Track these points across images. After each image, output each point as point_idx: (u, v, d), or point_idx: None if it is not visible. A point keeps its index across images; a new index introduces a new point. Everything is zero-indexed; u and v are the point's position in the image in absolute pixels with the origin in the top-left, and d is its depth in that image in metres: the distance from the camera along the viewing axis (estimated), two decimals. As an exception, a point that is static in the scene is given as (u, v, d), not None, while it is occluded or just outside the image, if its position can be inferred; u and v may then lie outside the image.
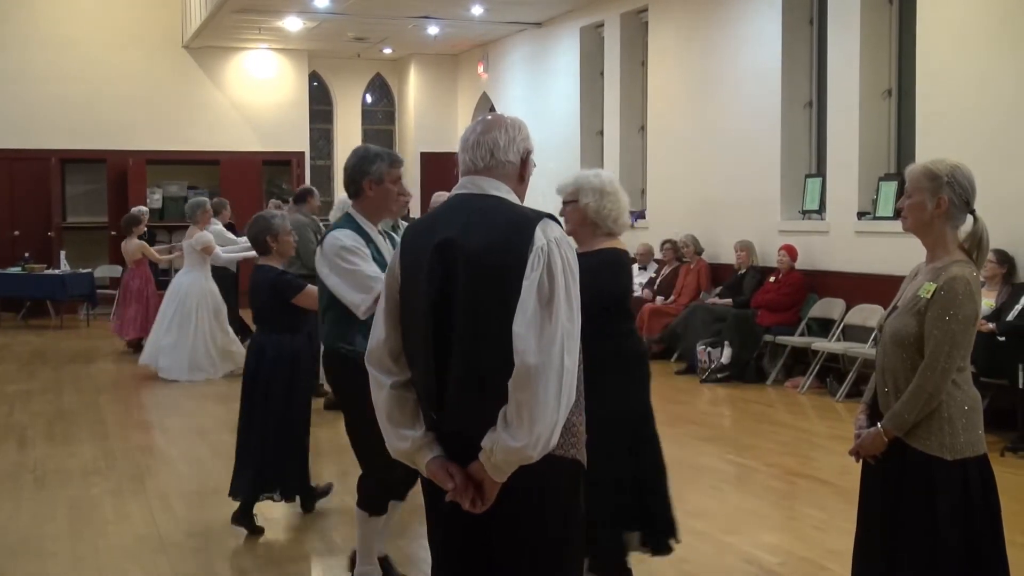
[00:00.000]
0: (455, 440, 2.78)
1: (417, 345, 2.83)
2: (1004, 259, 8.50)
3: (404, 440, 2.85)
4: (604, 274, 4.28)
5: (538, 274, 2.65)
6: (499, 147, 2.88)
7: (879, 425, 3.54)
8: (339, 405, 5.18)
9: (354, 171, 4.75)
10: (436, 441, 2.82)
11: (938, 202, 3.50)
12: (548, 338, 2.61)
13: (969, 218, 3.56)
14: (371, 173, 4.71)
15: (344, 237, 4.62)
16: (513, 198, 2.87)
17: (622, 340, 4.43)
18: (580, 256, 2.98)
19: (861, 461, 3.73)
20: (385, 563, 5.04)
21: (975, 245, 3.55)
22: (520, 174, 2.92)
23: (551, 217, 2.80)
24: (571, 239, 2.80)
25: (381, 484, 4.78)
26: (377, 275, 4.44)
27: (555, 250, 2.69)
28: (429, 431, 2.83)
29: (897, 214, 9.80)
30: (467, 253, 2.73)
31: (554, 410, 2.61)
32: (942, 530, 3.42)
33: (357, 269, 4.53)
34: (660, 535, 4.47)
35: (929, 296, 3.44)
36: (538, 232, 2.71)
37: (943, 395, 3.43)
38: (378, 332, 2.93)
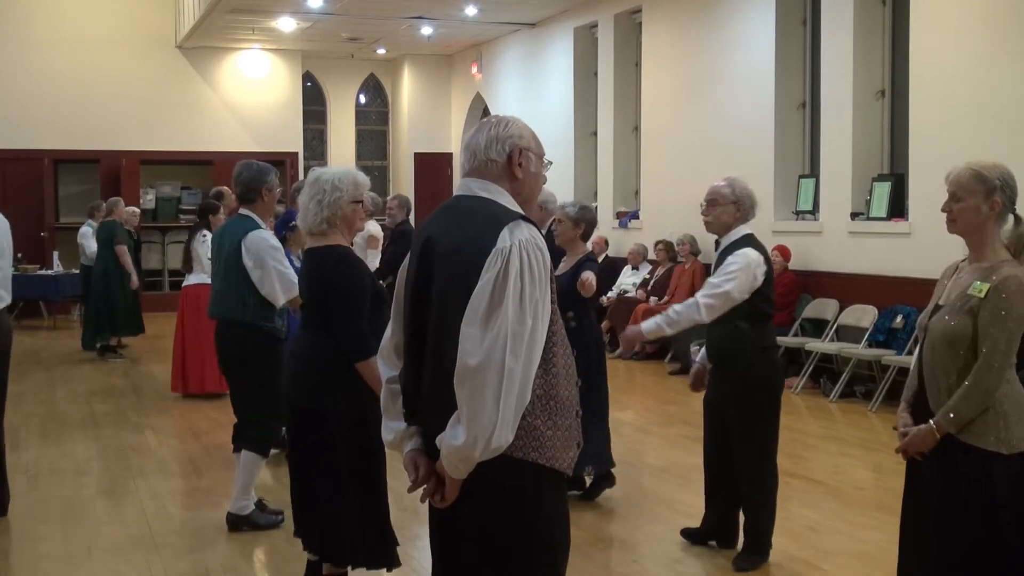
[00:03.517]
0: (432, 435, 2.83)
1: (406, 341, 2.94)
2: None
3: (389, 432, 2.97)
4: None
5: (492, 275, 2.67)
6: (480, 147, 2.92)
7: (931, 422, 3.57)
8: (234, 372, 5.91)
9: (254, 180, 5.80)
10: (419, 435, 2.89)
11: (992, 205, 3.56)
12: (491, 339, 2.63)
13: (1010, 218, 3.62)
14: (267, 182, 5.81)
15: (269, 237, 5.73)
16: (504, 198, 2.88)
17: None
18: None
19: (907, 461, 3.77)
20: (260, 503, 6.02)
21: (1021, 246, 3.60)
22: (509, 172, 2.91)
23: (525, 219, 2.81)
24: (541, 242, 2.80)
25: (264, 430, 5.82)
26: (295, 279, 5.43)
27: (516, 252, 2.70)
28: (412, 425, 2.92)
29: (888, 214, 9.87)
30: (441, 252, 2.80)
31: (492, 411, 2.62)
32: (1001, 522, 3.49)
33: (286, 272, 5.65)
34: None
35: (983, 295, 3.49)
36: (504, 233, 2.72)
37: (998, 392, 3.49)
38: (389, 329, 3.05)
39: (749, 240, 5.31)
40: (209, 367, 9.71)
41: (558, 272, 6.71)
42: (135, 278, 12.73)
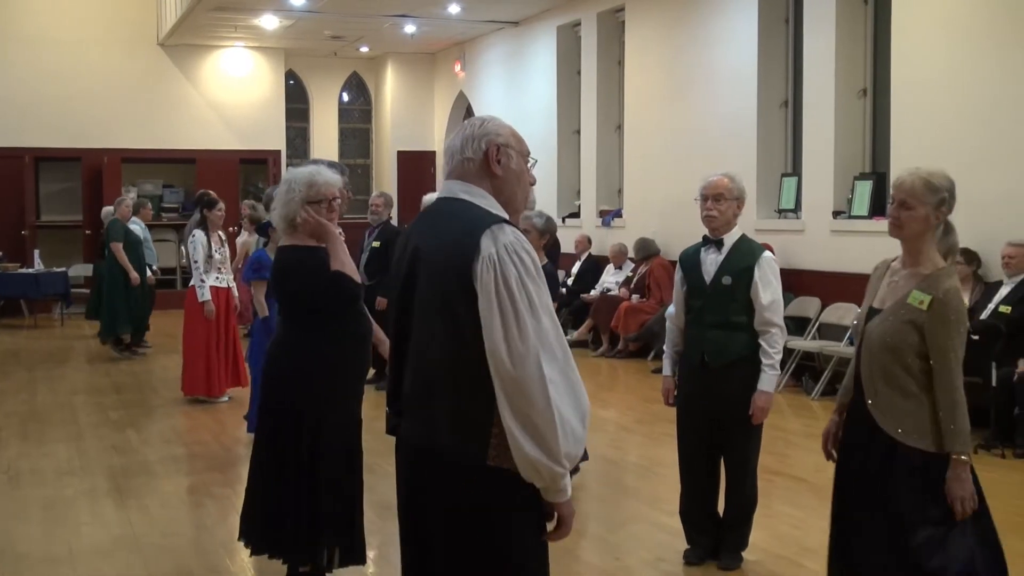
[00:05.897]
0: (405, 443, 2.81)
1: (392, 347, 2.94)
2: (971, 258, 8.58)
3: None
4: None
5: (491, 286, 2.59)
6: (456, 148, 2.86)
7: (955, 455, 3.64)
8: None
9: None
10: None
11: (939, 215, 3.62)
12: (520, 355, 2.56)
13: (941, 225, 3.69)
14: None
15: None
16: (486, 200, 2.80)
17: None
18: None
19: (836, 462, 3.98)
20: None
21: (950, 251, 3.70)
22: (488, 170, 2.83)
23: (505, 221, 2.72)
24: (526, 242, 2.71)
25: None
26: None
27: (506, 258, 2.61)
28: (395, 429, 2.89)
29: (869, 212, 9.90)
30: (424, 260, 2.76)
31: (549, 423, 2.56)
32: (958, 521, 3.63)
33: None
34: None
35: (927, 308, 3.56)
36: (485, 240, 2.63)
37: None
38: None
39: (751, 240, 5.33)
40: (198, 370, 9.55)
41: None
42: (132, 275, 12.47)
